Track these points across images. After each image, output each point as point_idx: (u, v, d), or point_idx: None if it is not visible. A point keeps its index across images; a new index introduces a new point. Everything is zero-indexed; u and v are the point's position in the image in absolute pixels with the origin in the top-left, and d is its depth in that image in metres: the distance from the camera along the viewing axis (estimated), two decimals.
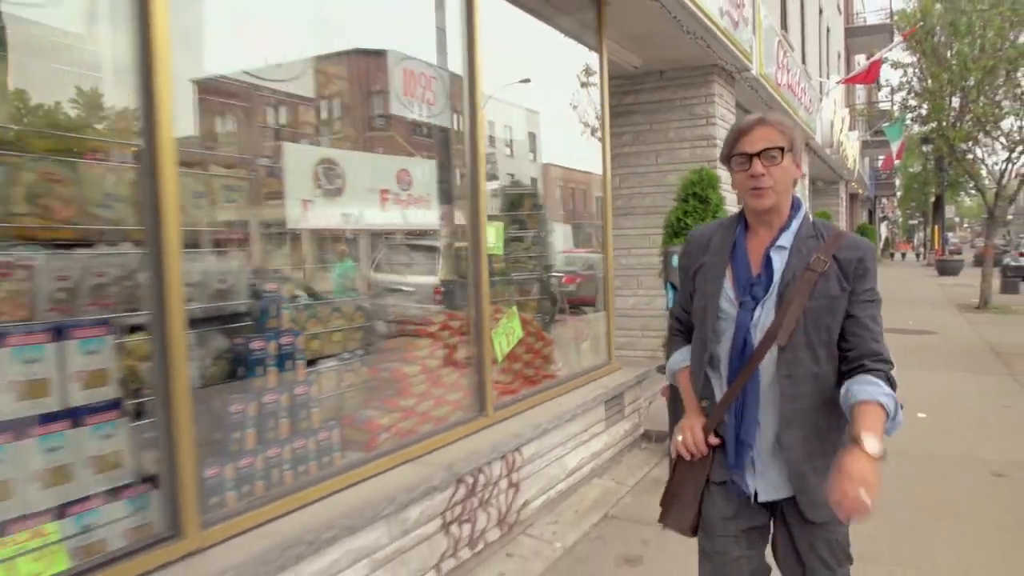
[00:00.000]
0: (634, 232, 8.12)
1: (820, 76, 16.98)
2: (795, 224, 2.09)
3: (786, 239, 2.07)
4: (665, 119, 8.15)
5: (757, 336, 2.04)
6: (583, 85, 6.07)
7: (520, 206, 5.53)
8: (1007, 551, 3.92)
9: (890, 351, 2.00)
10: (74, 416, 2.39)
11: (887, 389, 1.90)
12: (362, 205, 3.55)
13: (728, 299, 2.09)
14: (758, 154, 2.01)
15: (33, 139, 2.48)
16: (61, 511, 2.33)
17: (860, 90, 28.01)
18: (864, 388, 1.90)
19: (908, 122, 19.84)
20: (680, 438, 2.17)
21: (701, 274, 2.18)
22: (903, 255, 55.42)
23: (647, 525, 4.23)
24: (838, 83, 15.20)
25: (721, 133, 7.97)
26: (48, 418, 2.32)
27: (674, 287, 4.83)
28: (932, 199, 38.76)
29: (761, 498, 2.10)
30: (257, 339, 3.05)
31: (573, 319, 6.94)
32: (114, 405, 2.50)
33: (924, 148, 25.26)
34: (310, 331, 3.46)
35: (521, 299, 5.31)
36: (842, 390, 1.98)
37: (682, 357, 2.32)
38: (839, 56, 23.78)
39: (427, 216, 3.99)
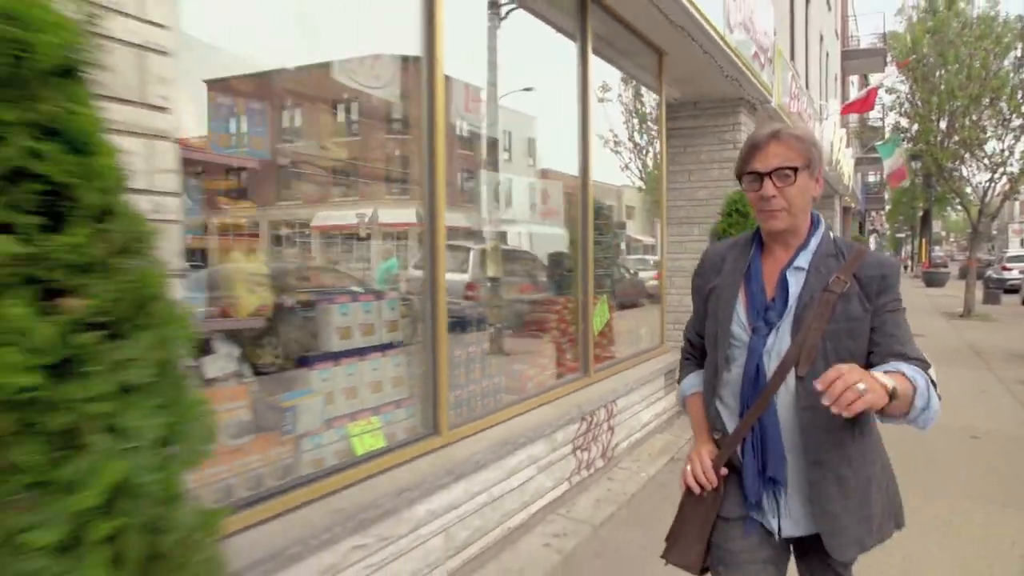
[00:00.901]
0: (670, 239, 9.48)
1: (820, 99, 18.44)
2: (814, 242, 1.94)
3: (803, 259, 1.92)
4: (697, 143, 9.50)
5: (771, 364, 1.89)
6: (642, 120, 7.42)
7: (598, 217, 6.90)
8: (982, 491, 5.29)
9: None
10: (383, 349, 3.72)
11: (919, 370, 1.76)
12: (525, 217, 4.91)
13: (741, 324, 1.95)
14: (770, 173, 1.86)
15: None
16: (377, 409, 3.65)
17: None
18: (892, 365, 1.77)
19: (902, 143, 21.35)
20: (688, 468, 2.03)
21: (713, 297, 2.04)
22: None
23: None
24: (841, 114, 16.63)
25: None
26: (372, 349, 3.66)
27: None
28: (920, 213, 40.34)
29: (785, 534, 1.95)
30: (476, 306, 4.41)
31: (632, 310, 8.30)
32: (398, 344, 3.84)
33: (913, 164, 26.67)
34: (492, 304, 4.81)
35: (604, 290, 6.67)
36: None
37: (693, 383, 2.21)
38: (836, 78, 25.30)
39: (556, 224, 5.35)
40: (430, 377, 3.83)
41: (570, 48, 5.50)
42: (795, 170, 1.85)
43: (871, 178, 45.21)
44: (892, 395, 1.63)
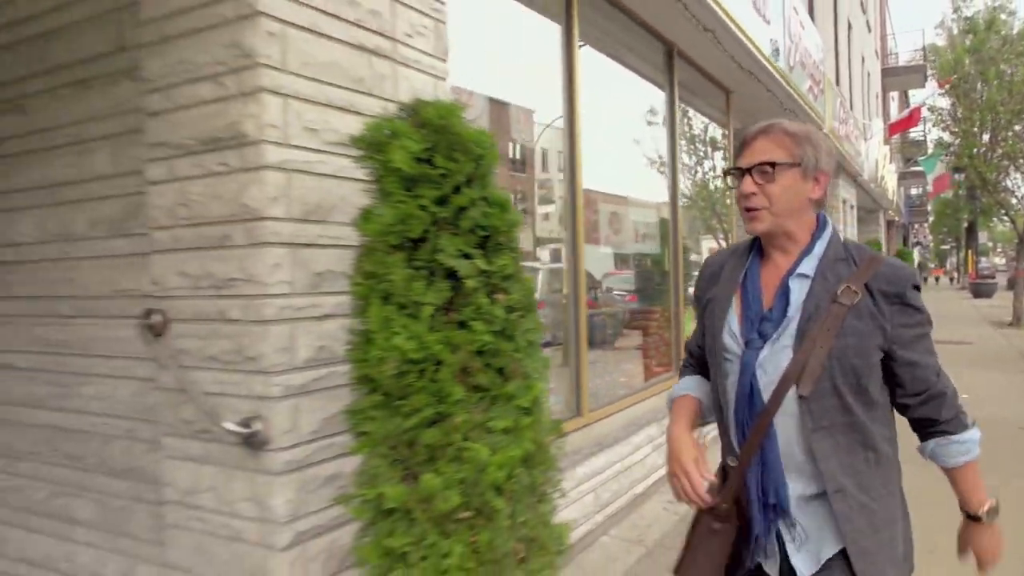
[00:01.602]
0: None
1: (864, 118, 19.17)
2: (819, 247, 1.74)
3: (808, 265, 1.73)
4: None
5: (766, 380, 1.71)
6: (690, 142, 8.32)
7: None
8: None
9: (948, 378, 1.77)
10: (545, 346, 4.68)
11: (967, 436, 1.73)
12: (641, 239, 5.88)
13: (733, 336, 1.78)
14: (750, 169, 1.72)
15: None
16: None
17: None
18: (954, 449, 1.74)
19: (944, 157, 21.94)
20: (676, 483, 1.87)
21: (709, 308, 1.87)
22: (936, 279, 56.88)
23: None
24: (890, 135, 17.38)
25: None
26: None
27: None
28: (965, 225, 40.46)
29: (805, 573, 1.74)
30: (598, 314, 5.37)
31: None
32: (546, 344, 4.80)
33: (956, 176, 27.01)
34: (607, 314, 5.77)
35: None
36: (922, 446, 1.80)
37: (686, 384, 2.06)
38: (877, 96, 25.96)
39: (656, 245, 6.31)
40: (574, 370, 4.78)
41: (659, 95, 6.47)
42: (775, 166, 1.69)
43: (914, 191, 45.45)
44: (993, 509, 1.81)
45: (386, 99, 2.65)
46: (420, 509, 1.96)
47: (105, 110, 2.79)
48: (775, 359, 1.71)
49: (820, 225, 1.78)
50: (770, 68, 7.31)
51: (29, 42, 3.03)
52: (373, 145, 2.09)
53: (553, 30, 4.72)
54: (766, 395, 1.70)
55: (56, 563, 3.10)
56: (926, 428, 1.78)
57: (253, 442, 2.21)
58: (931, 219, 55.01)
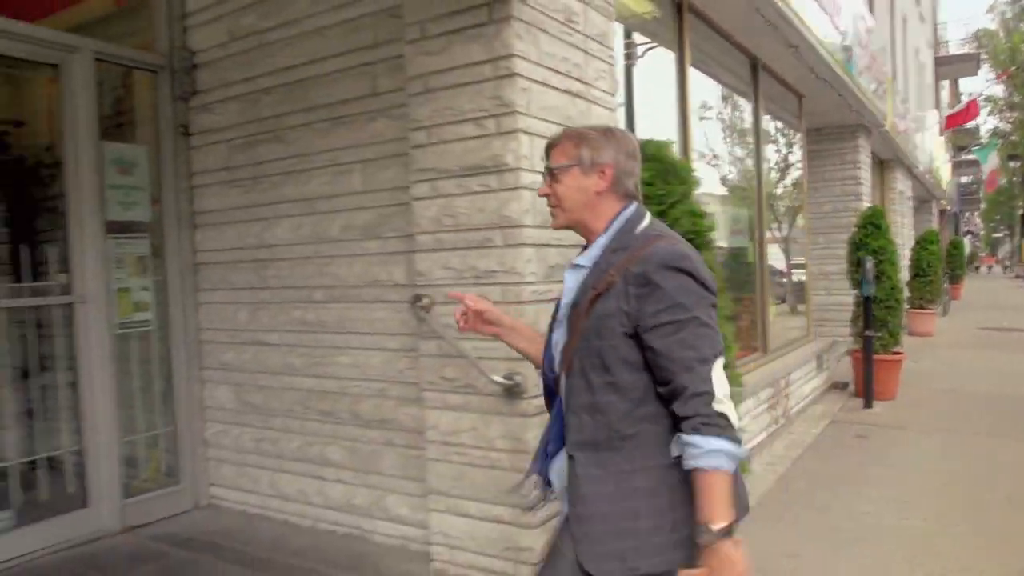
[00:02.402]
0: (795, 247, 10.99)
1: (918, 110, 19.53)
2: (603, 239, 1.84)
3: (586, 257, 1.86)
4: (821, 163, 10.97)
5: (556, 360, 1.89)
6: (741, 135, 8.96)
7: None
8: None
9: (708, 377, 1.65)
10: None
11: (713, 442, 1.61)
12: (733, 234, 6.60)
13: (550, 325, 1.97)
14: (544, 174, 1.92)
15: None
16: None
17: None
18: (688, 451, 1.64)
19: (998, 145, 22.13)
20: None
21: None
22: (989, 268, 56.31)
23: (861, 424, 7.10)
24: (946, 128, 17.74)
25: (863, 175, 10.79)
26: None
27: (865, 283, 7.64)
28: (1020, 212, 40.17)
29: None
30: None
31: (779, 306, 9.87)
32: None
33: (1011, 164, 26.95)
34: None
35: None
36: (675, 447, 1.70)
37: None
38: (929, 87, 26.15)
39: (744, 239, 7.01)
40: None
41: (745, 105, 7.17)
42: (555, 170, 1.87)
43: (964, 179, 45.10)
44: (730, 529, 1.61)
45: None
46: None
47: (360, 141, 3.60)
48: (559, 342, 1.88)
49: (618, 216, 1.86)
50: (843, 77, 7.95)
51: (289, 87, 3.86)
52: None
53: (669, 57, 5.47)
54: (557, 369, 1.89)
55: (309, 497, 3.95)
56: (675, 422, 1.70)
57: (513, 392, 3.00)
58: (983, 207, 54.46)
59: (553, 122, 3.21)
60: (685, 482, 1.68)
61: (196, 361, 4.39)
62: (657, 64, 5.46)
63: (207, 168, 4.27)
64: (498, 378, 3.01)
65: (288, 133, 3.88)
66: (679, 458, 1.68)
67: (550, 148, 1.93)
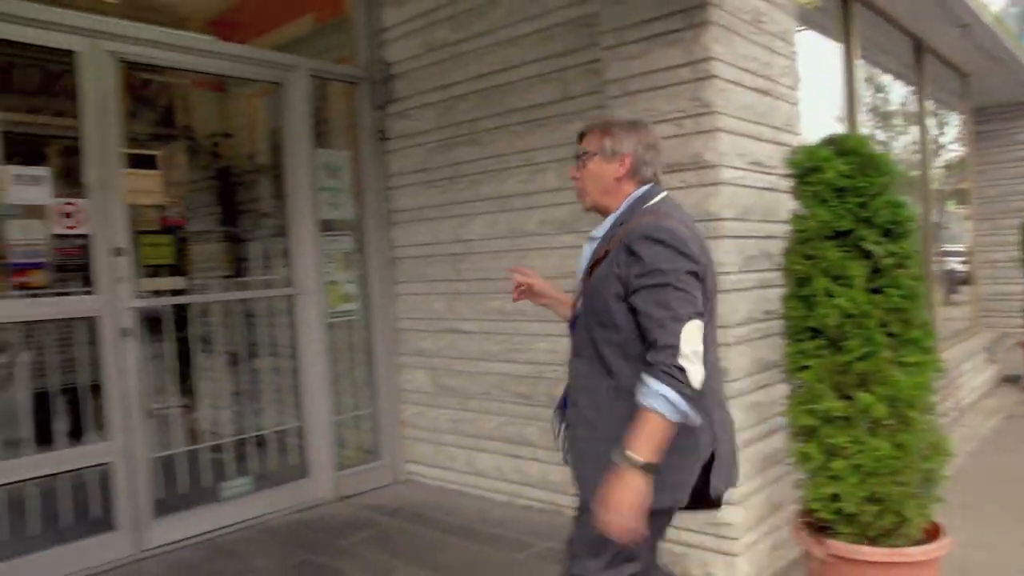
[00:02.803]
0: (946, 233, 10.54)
1: None
2: (613, 216, 2.09)
3: (599, 230, 2.11)
4: (986, 145, 10.47)
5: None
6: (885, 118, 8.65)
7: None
8: None
9: (677, 333, 1.83)
10: None
11: (660, 387, 1.80)
12: None
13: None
14: (575, 160, 2.18)
15: None
16: None
17: None
18: (639, 389, 1.85)
19: None
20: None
21: None
22: None
23: None
24: None
25: None
26: None
27: None
28: None
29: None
30: None
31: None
32: None
33: None
34: None
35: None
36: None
37: None
38: None
39: None
40: None
41: (904, 88, 7.02)
42: (583, 156, 2.14)
43: None
44: (647, 465, 1.79)
45: (767, 125, 3.54)
46: (859, 417, 2.85)
47: (555, 141, 3.86)
48: (579, 304, 2.12)
49: (633, 197, 2.09)
50: (1017, 52, 7.61)
51: (484, 93, 4.17)
52: (805, 166, 3.00)
53: (828, 46, 5.46)
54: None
55: (506, 474, 4.26)
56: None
57: None
58: None
59: (746, 119, 3.35)
60: (676, 434, 1.86)
61: (395, 348, 4.79)
62: (817, 52, 5.47)
63: (404, 170, 4.65)
64: None
65: (483, 136, 4.19)
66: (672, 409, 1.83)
67: (581, 137, 2.18)
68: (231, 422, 4.68)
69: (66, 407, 3.79)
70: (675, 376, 1.80)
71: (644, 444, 1.81)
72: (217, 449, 4.36)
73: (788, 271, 3.06)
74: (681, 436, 1.88)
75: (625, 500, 1.80)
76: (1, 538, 3.50)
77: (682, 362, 1.81)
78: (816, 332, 2.96)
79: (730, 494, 2.48)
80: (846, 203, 2.93)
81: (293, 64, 4.32)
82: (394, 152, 4.71)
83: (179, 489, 4.08)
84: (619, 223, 2.05)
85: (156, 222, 4.11)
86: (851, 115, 5.47)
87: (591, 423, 2.00)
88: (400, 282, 4.76)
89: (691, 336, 1.84)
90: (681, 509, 2.06)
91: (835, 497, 2.88)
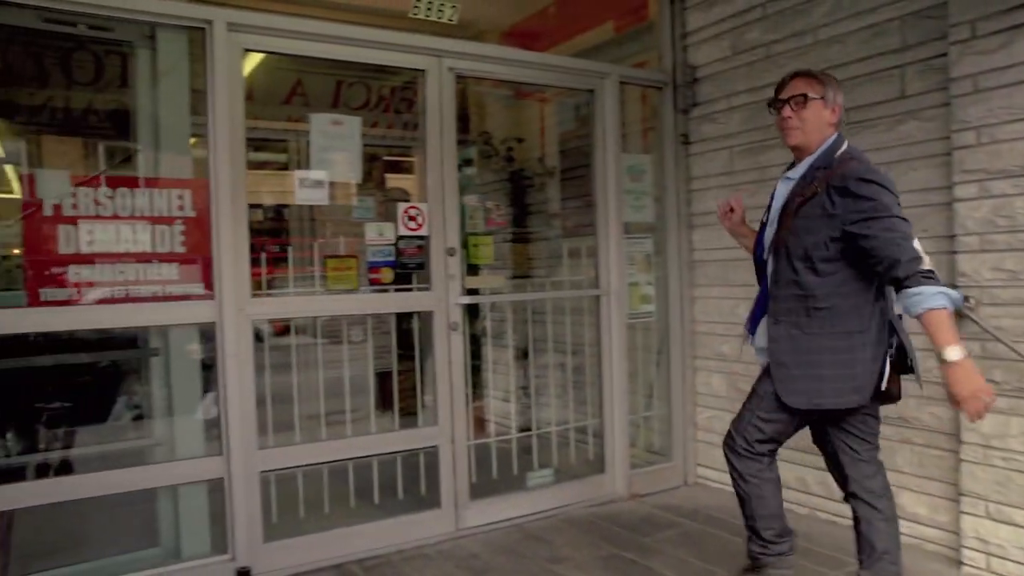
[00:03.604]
0: None
1: None
2: (810, 159, 2.48)
3: (795, 171, 2.53)
4: None
5: (765, 251, 2.57)
6: None
7: None
8: None
9: (914, 248, 2.23)
10: None
11: (932, 288, 2.13)
12: None
13: (762, 223, 2.68)
14: (788, 100, 2.50)
15: None
16: None
17: None
18: (913, 300, 2.17)
19: None
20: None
21: None
22: None
23: None
24: None
25: None
26: None
27: None
28: None
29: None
30: None
31: None
32: None
33: None
34: None
35: None
36: (897, 302, 2.33)
37: None
38: None
39: None
40: None
41: None
42: (805, 97, 2.48)
43: None
44: (957, 350, 2.16)
45: None
46: None
47: (884, 143, 3.67)
48: (767, 237, 2.57)
49: (828, 142, 2.49)
50: None
51: None
52: None
53: None
54: (767, 257, 2.58)
55: (809, 486, 4.14)
56: (896, 288, 2.25)
57: None
58: None
59: None
60: (865, 345, 2.40)
61: (691, 350, 4.80)
62: None
63: (706, 173, 4.64)
64: None
65: None
66: (864, 321, 2.40)
67: (794, 80, 2.56)
68: (531, 415, 4.93)
69: (402, 391, 4.19)
70: (933, 277, 2.18)
71: (951, 336, 2.16)
72: (521, 440, 4.61)
73: None
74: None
75: (970, 381, 2.14)
76: (346, 506, 3.93)
77: (929, 267, 2.20)
78: None
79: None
80: None
81: (605, 71, 4.46)
82: (697, 156, 4.72)
83: (490, 475, 4.35)
84: (817, 167, 2.44)
85: (481, 223, 4.40)
86: None
87: (793, 338, 2.47)
88: (699, 285, 4.76)
89: (920, 248, 2.25)
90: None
91: None
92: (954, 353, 2.14)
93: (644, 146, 4.99)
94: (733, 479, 2.75)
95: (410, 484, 4.08)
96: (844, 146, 2.49)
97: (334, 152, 3.69)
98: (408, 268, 3.95)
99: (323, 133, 3.70)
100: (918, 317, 2.18)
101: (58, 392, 3.65)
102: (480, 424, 4.68)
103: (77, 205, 3.11)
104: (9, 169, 3.99)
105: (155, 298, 3.28)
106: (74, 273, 3.11)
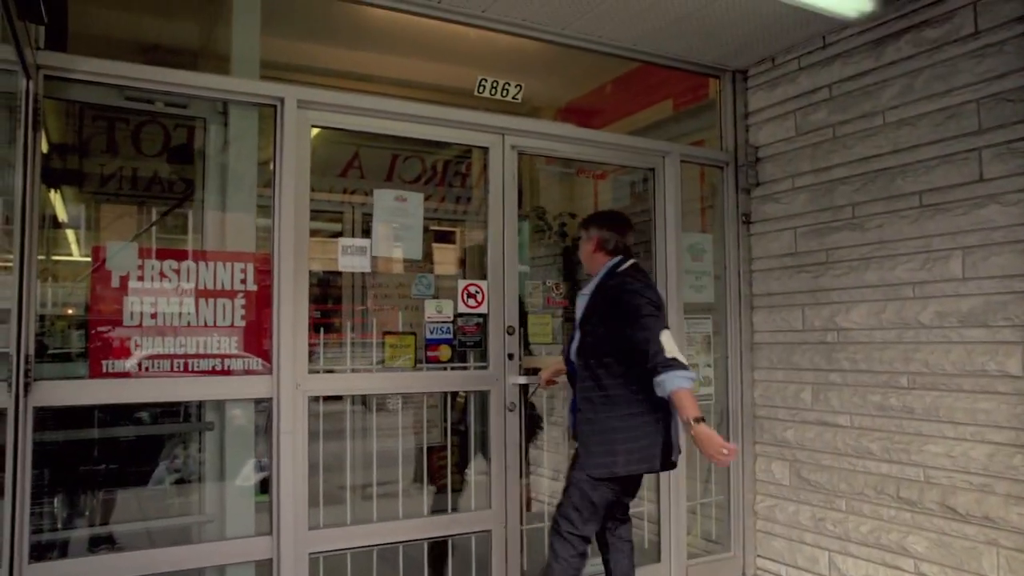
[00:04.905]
0: None
1: None
2: (596, 280, 3.30)
3: (588, 288, 3.33)
4: None
5: (573, 353, 3.30)
6: None
7: None
8: None
9: (659, 342, 2.93)
10: None
11: (674, 375, 2.85)
12: None
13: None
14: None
15: None
16: None
17: None
18: (662, 386, 2.88)
19: None
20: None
21: None
22: None
23: None
24: None
25: None
26: None
27: None
28: None
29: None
30: None
31: None
32: None
33: None
34: None
35: None
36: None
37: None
38: None
39: None
40: None
41: None
42: (576, 240, 3.70)
43: None
44: (700, 418, 2.85)
45: None
46: None
47: (961, 227, 3.55)
48: (575, 344, 3.30)
49: (608, 266, 3.31)
50: None
51: (868, 176, 3.97)
52: None
53: None
54: (574, 359, 3.31)
55: None
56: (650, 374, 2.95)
57: None
58: None
59: None
60: (644, 423, 3.11)
61: (751, 435, 4.63)
62: None
63: (769, 254, 4.55)
64: None
65: (867, 221, 3.98)
66: (642, 405, 3.11)
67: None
68: None
69: (453, 468, 4.07)
70: (674, 365, 2.88)
71: (691, 409, 2.87)
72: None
73: None
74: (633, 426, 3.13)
75: (711, 442, 2.83)
76: None
77: (672, 355, 2.90)
78: None
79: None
80: None
81: (666, 150, 4.43)
82: (759, 236, 4.63)
83: (541, 561, 4.17)
84: (600, 284, 3.26)
85: (541, 302, 4.34)
86: None
87: (590, 422, 3.16)
88: (760, 368, 4.62)
89: (668, 341, 2.95)
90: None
91: None
92: (695, 422, 2.83)
93: (702, 225, 4.92)
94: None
95: (460, 566, 3.93)
96: (625, 266, 3.28)
97: (395, 228, 3.69)
98: (466, 346, 3.88)
99: (386, 209, 3.70)
100: (668, 397, 2.91)
101: (106, 459, 3.59)
102: (531, 505, 4.51)
103: (143, 277, 3.11)
104: (70, 233, 4.03)
105: (213, 372, 3.25)
106: (136, 345, 3.08)
